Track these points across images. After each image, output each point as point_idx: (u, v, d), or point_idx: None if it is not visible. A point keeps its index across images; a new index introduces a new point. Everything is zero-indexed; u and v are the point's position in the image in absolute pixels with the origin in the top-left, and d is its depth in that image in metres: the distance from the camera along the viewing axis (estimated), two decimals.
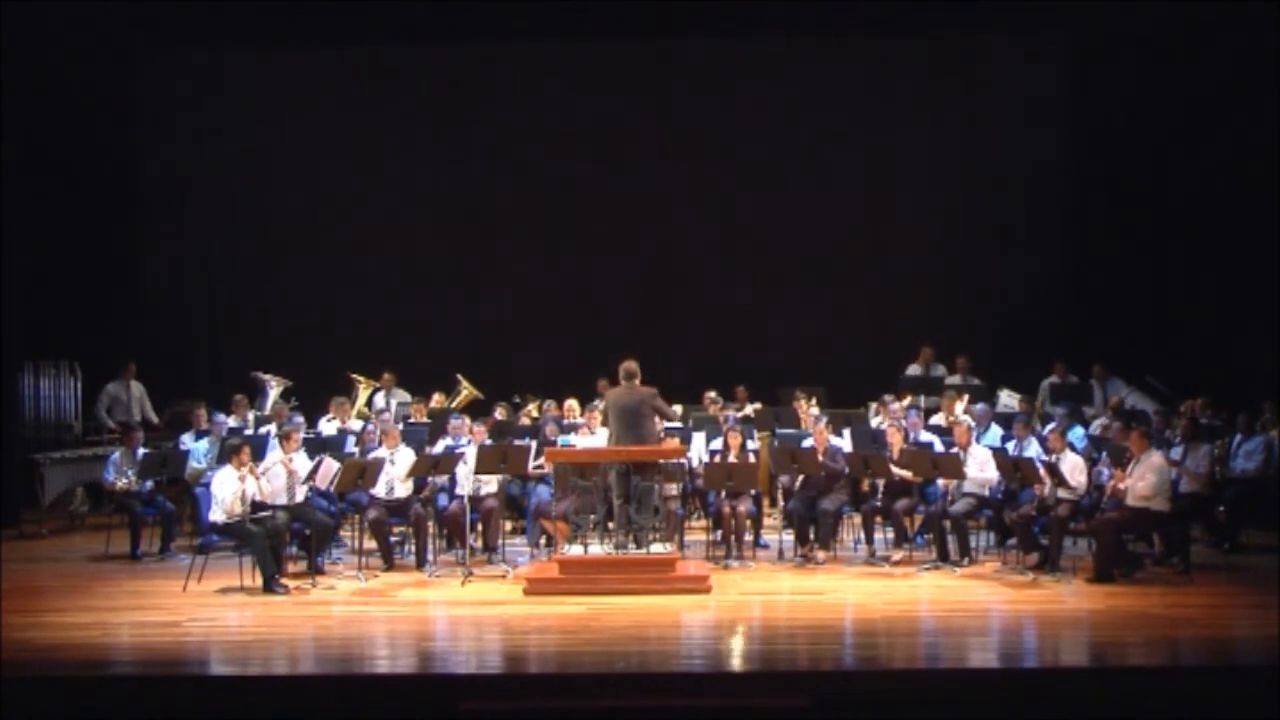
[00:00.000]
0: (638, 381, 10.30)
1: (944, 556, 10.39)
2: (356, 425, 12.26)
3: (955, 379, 13.83)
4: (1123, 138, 14.84)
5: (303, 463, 10.22)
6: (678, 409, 12.46)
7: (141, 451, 11.43)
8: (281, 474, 10.07)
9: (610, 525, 9.95)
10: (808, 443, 11.07)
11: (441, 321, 15.62)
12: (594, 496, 9.91)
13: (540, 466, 10.92)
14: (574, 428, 11.43)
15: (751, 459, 11.03)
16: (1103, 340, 14.58)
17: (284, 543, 10.00)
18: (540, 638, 8.59)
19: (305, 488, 10.16)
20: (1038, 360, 14.15)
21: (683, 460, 10.70)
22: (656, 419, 10.32)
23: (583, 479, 10.00)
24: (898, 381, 14.16)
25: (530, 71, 15.65)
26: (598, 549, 9.83)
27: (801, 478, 10.75)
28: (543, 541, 10.80)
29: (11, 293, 13.05)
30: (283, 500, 10.03)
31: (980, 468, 10.43)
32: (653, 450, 10.37)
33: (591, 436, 10.96)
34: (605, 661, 7.83)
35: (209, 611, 9.15)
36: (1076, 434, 11.48)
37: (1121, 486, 9.76)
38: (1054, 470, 9.93)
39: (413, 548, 10.64)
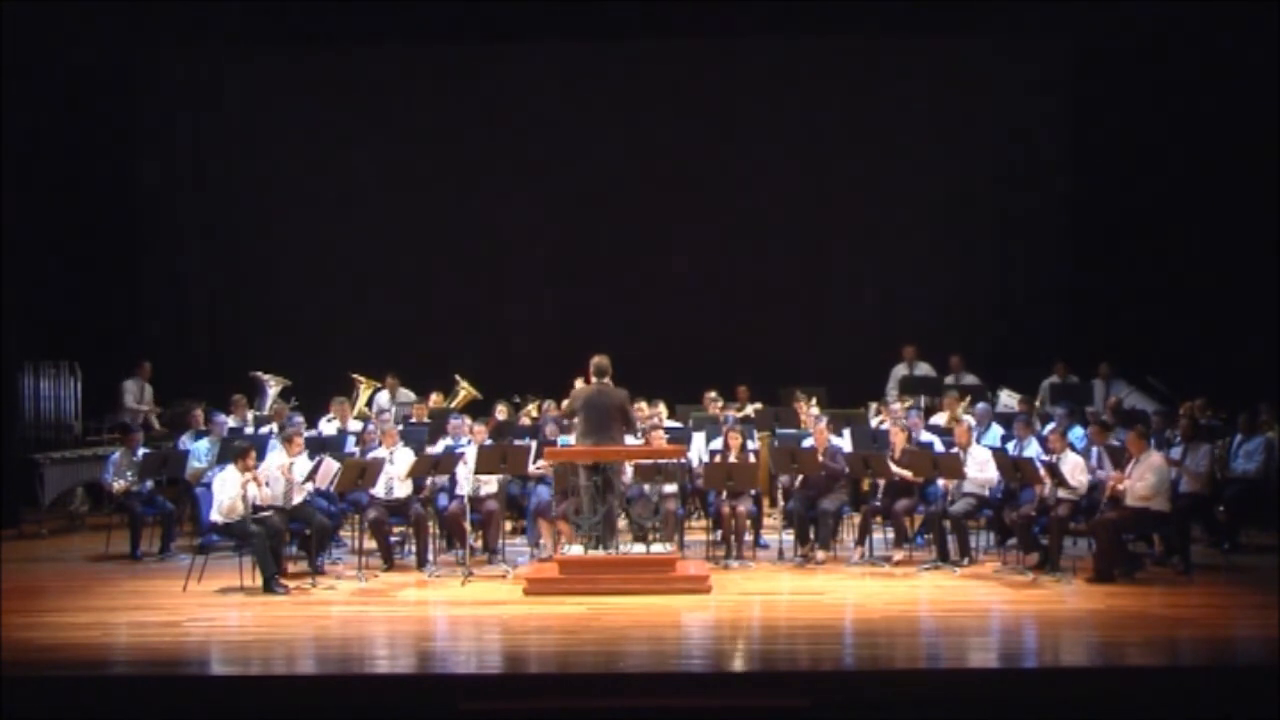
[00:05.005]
0: (609, 379, 10.29)
1: (944, 556, 10.39)
2: (356, 425, 12.26)
3: (949, 378, 13.89)
4: (1123, 138, 14.86)
5: (303, 464, 10.22)
6: (662, 409, 12.50)
7: (141, 452, 11.44)
8: (281, 480, 10.05)
9: (617, 525, 9.98)
10: (808, 443, 11.07)
11: (441, 322, 15.63)
12: (595, 497, 9.90)
13: (540, 466, 10.93)
14: (573, 427, 11.40)
15: (751, 459, 11.03)
16: (1103, 340, 14.61)
17: (283, 542, 10.00)
18: (540, 638, 8.57)
19: (306, 488, 10.15)
20: (1038, 360, 14.19)
21: (683, 460, 10.70)
22: (625, 426, 10.33)
23: (584, 479, 10.00)
24: (888, 382, 14.26)
25: (531, 73, 15.67)
26: (597, 549, 9.84)
27: (801, 478, 10.75)
28: (543, 541, 10.79)
29: (11, 293, 13.05)
30: (279, 504, 10.01)
31: (980, 468, 10.43)
32: (653, 450, 10.39)
33: None
34: (605, 661, 7.83)
35: (209, 611, 9.14)
36: (1076, 434, 11.48)
37: (1120, 488, 9.76)
38: (1054, 470, 9.93)
39: (413, 548, 10.64)
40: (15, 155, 13.01)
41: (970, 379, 13.87)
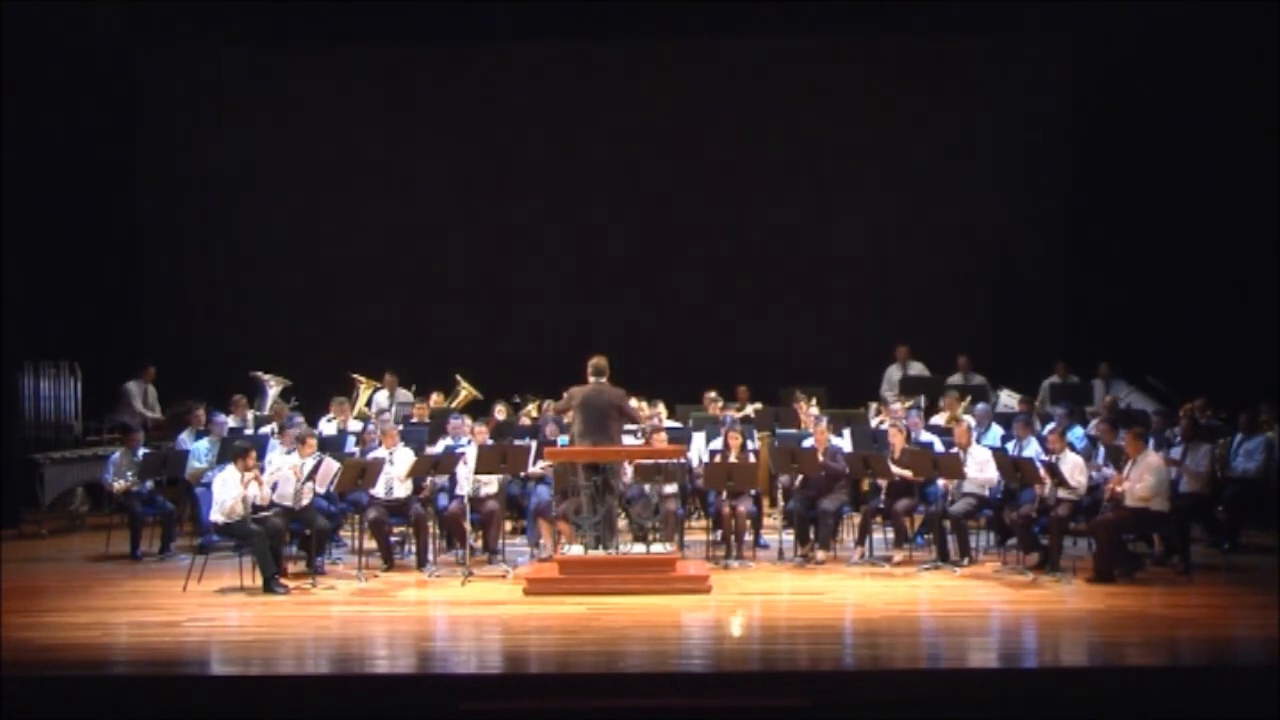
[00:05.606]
0: (606, 379, 10.31)
1: (944, 556, 10.39)
2: (356, 425, 12.26)
3: (956, 378, 13.89)
4: (1123, 137, 14.86)
5: (305, 465, 10.21)
6: (661, 409, 12.50)
7: (141, 451, 11.44)
8: (291, 480, 10.05)
9: (617, 525, 9.98)
10: (808, 443, 11.07)
11: (441, 321, 15.63)
12: (594, 497, 9.90)
13: (540, 466, 10.92)
14: (570, 427, 11.40)
15: (751, 459, 11.04)
16: (1103, 340, 14.60)
17: (284, 542, 10.00)
18: (540, 638, 8.58)
19: (309, 487, 10.15)
20: (1038, 360, 14.19)
21: (683, 460, 10.69)
22: (623, 422, 10.35)
23: (583, 479, 10.00)
24: (883, 384, 14.26)
25: (531, 72, 15.66)
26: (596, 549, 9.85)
27: (801, 478, 10.74)
28: (543, 541, 10.79)
29: (11, 293, 13.04)
30: (288, 504, 10.01)
31: (980, 468, 10.43)
32: (652, 450, 10.40)
33: None
34: (605, 661, 7.84)
35: (209, 611, 9.14)
36: (1076, 434, 11.48)
37: (1119, 490, 9.76)
38: (1054, 470, 9.93)
39: (413, 548, 10.64)
40: (16, 154, 13.00)
41: (978, 379, 13.87)
